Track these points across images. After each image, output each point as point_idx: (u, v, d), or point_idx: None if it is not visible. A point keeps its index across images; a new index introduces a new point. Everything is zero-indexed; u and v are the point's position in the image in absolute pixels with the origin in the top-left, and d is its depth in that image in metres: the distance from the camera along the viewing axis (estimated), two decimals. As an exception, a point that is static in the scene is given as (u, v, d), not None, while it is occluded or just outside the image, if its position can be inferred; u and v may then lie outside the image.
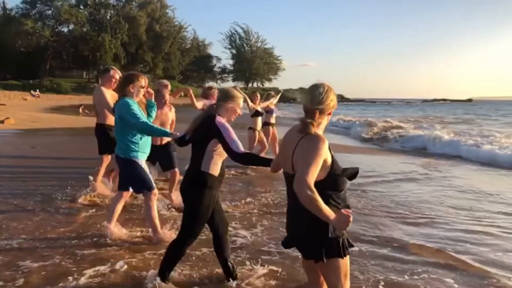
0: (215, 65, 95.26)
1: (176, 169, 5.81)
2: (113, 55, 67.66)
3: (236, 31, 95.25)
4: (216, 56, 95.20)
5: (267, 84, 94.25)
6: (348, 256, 2.33)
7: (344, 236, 2.28)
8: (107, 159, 5.99)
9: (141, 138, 4.20)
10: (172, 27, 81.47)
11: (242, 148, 3.08)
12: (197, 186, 3.16)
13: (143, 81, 4.31)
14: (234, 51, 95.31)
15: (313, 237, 2.26)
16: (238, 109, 3.31)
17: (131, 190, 4.47)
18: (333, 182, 2.23)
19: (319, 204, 2.04)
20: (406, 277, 3.73)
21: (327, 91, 2.29)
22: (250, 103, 8.94)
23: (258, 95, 9.48)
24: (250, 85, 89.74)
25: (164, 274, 3.27)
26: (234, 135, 3.10)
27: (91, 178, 5.97)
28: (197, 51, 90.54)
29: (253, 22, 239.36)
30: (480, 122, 31.76)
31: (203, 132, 3.16)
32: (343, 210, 2.11)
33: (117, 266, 3.67)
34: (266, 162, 3.02)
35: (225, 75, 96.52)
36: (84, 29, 68.89)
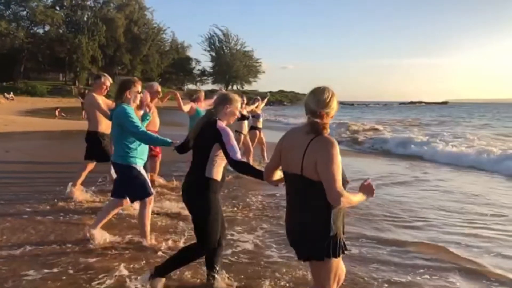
0: (194, 67, 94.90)
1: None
2: (90, 57, 66.57)
3: (215, 33, 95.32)
4: (195, 59, 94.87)
5: (246, 87, 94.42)
6: (340, 258, 2.43)
7: (341, 237, 2.38)
8: (91, 166, 6.04)
9: (139, 145, 4.20)
10: (150, 29, 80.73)
11: (239, 156, 3.13)
12: (202, 193, 3.18)
13: (140, 86, 4.33)
14: (213, 54, 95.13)
15: (313, 236, 2.33)
16: (237, 111, 3.37)
17: (127, 198, 4.37)
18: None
19: (352, 200, 2.29)
20: (409, 277, 3.85)
21: (332, 95, 2.41)
22: None
23: (245, 99, 9.58)
24: (229, 87, 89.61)
25: (163, 272, 3.27)
26: (233, 141, 3.15)
27: (70, 185, 5.99)
28: (176, 53, 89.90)
29: (232, 25, 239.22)
30: (455, 124, 32.56)
31: (205, 137, 3.20)
32: (364, 182, 2.42)
33: (117, 273, 3.62)
34: (259, 174, 3.00)
35: (205, 77, 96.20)
36: (60, 31, 67.54)
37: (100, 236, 4.35)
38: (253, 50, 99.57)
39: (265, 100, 10.21)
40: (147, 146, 4.39)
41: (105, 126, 5.85)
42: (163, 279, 3.28)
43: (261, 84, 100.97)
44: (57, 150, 11.36)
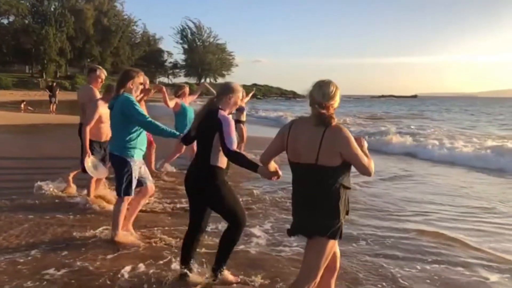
0: (166, 60, 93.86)
1: None
2: (58, 49, 64.71)
3: (187, 25, 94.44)
4: (167, 51, 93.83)
5: (220, 80, 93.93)
6: (336, 243, 2.61)
7: (342, 222, 2.55)
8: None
9: (139, 135, 4.15)
10: (121, 20, 79.16)
11: (235, 147, 3.16)
12: (211, 183, 3.25)
13: (142, 78, 4.27)
14: (186, 46, 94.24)
15: (323, 216, 2.51)
16: (239, 101, 3.43)
17: (149, 183, 4.38)
18: (346, 168, 2.52)
19: (372, 164, 2.55)
20: (419, 267, 3.99)
21: (336, 88, 2.55)
22: None
23: None
24: (202, 80, 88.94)
25: (220, 264, 3.35)
26: (232, 132, 3.19)
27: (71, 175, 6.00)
28: (148, 45, 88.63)
29: (205, 17, 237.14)
30: (422, 117, 33.45)
31: (208, 127, 3.24)
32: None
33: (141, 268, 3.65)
34: (253, 166, 3.03)
35: (177, 70, 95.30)
36: (26, 21, 65.41)
37: (125, 236, 4.33)
38: (226, 43, 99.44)
39: (250, 94, 10.21)
40: (145, 136, 4.33)
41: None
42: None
43: (234, 77, 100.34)
44: (24, 145, 11.04)
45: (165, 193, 6.26)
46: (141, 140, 4.20)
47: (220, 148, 3.20)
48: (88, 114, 5.16)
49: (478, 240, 4.79)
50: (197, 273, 3.43)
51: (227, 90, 3.36)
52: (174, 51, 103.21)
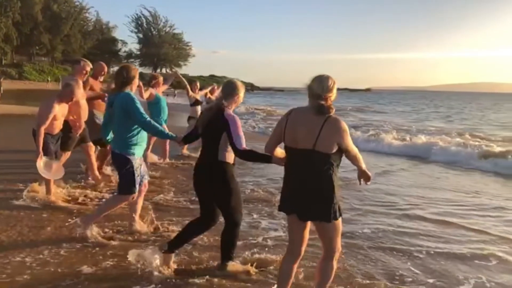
0: (120, 49, 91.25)
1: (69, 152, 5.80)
2: (3, 35, 61.28)
3: (143, 14, 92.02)
4: (121, 40, 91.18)
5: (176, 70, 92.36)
6: (340, 219, 2.85)
7: (339, 202, 2.79)
8: (91, 148, 6.04)
9: (139, 132, 4.11)
10: (72, 7, 75.92)
11: (244, 145, 3.26)
12: (220, 178, 3.37)
13: (137, 73, 4.25)
14: (141, 35, 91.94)
15: (324, 201, 2.73)
16: (242, 97, 3.56)
17: (145, 180, 4.37)
18: (339, 155, 2.79)
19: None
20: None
21: (334, 82, 2.79)
22: (190, 92, 8.91)
23: (198, 84, 9.49)
24: (158, 70, 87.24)
25: (228, 258, 3.50)
26: (240, 130, 3.28)
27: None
28: (101, 34, 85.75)
29: (161, 7, 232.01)
30: (374, 111, 34.67)
31: (215, 126, 3.33)
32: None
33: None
34: (266, 159, 3.13)
35: (132, 60, 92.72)
36: (-33, 5, 61.45)
37: (141, 227, 4.37)
38: (183, 33, 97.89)
39: (221, 87, 10.16)
40: (145, 133, 4.29)
41: (84, 114, 5.77)
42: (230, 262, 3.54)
43: (192, 68, 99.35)
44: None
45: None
46: (142, 137, 4.18)
47: (228, 145, 3.31)
48: (41, 114, 5.03)
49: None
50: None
51: (234, 90, 3.45)
52: (128, 40, 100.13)
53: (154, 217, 4.63)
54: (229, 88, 3.48)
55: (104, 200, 4.34)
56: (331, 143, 2.70)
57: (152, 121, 4.05)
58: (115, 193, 4.29)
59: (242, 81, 3.59)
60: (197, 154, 4.10)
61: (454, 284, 3.65)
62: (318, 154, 2.69)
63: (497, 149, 11.04)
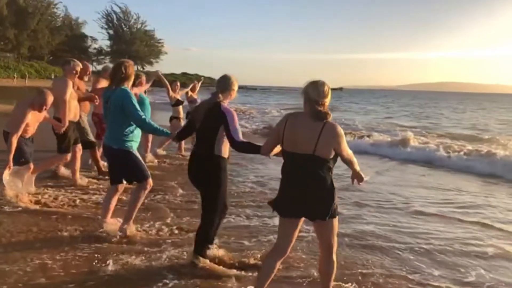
0: (90, 45, 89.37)
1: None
2: (-35, 29, 59.00)
3: (113, 10, 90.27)
4: (91, 36, 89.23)
5: (148, 68, 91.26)
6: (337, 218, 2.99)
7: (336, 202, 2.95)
8: (79, 152, 6.05)
9: (135, 128, 4.12)
10: (39, 2, 73.64)
11: (241, 137, 3.37)
12: (214, 171, 3.47)
13: (133, 70, 4.28)
14: (111, 32, 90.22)
15: (324, 201, 2.87)
16: (236, 92, 3.66)
17: (125, 182, 4.35)
18: (335, 159, 2.92)
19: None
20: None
21: (328, 87, 2.90)
22: (171, 92, 8.83)
23: (178, 84, 9.47)
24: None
25: (201, 252, 3.57)
26: (237, 123, 3.38)
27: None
28: (70, 30, 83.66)
29: (133, 3, 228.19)
30: (346, 110, 35.33)
31: (212, 120, 3.42)
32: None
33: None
34: (259, 150, 3.25)
35: (102, 56, 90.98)
36: None
37: (115, 225, 4.32)
38: (155, 29, 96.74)
39: (199, 83, 10.13)
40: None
41: (73, 114, 5.78)
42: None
43: (164, 65, 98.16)
44: None
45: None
46: (138, 134, 4.20)
47: (224, 139, 3.41)
48: (14, 122, 5.01)
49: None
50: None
51: (229, 85, 3.54)
52: (99, 37, 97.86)
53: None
54: (224, 83, 3.55)
55: (131, 197, 4.32)
56: (329, 148, 2.83)
57: (148, 119, 4.07)
58: (138, 187, 4.28)
59: (215, 79, 3.65)
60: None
61: (460, 276, 3.85)
62: (317, 159, 2.82)
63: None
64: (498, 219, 5.67)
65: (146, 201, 5.39)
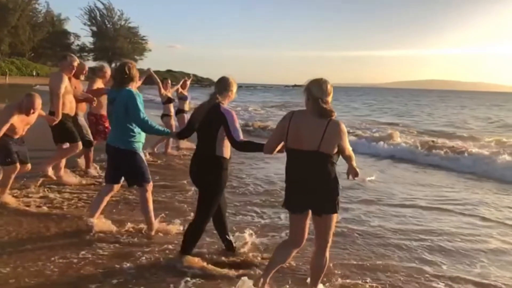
0: (73, 42, 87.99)
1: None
2: None
3: (96, 7, 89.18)
4: (74, 33, 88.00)
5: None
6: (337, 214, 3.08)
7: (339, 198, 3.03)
8: (63, 147, 5.92)
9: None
10: (20, -3, 72.37)
11: (242, 137, 3.42)
12: (215, 171, 3.50)
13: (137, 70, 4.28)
14: (94, 29, 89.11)
15: (328, 197, 2.96)
16: (235, 93, 3.67)
17: (121, 182, 4.36)
18: (338, 155, 3.00)
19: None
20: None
21: (331, 85, 2.97)
22: (162, 90, 8.81)
23: (169, 82, 9.46)
24: (113, 65, 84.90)
25: (188, 252, 3.63)
26: (237, 123, 3.43)
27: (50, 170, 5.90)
28: (51, 26, 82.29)
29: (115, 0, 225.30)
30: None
31: (212, 121, 3.45)
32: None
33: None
34: (262, 148, 3.30)
35: (85, 53, 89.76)
36: None
37: (102, 224, 4.31)
38: (139, 26, 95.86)
39: (189, 80, 10.14)
40: None
41: (69, 108, 5.74)
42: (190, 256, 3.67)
43: (148, 63, 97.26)
44: None
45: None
46: (143, 134, 4.21)
47: (225, 139, 3.44)
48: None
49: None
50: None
51: (228, 86, 3.58)
52: (81, 34, 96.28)
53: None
54: (223, 84, 3.60)
55: (140, 203, 4.38)
56: (333, 144, 2.91)
57: (150, 120, 4.05)
58: (140, 191, 4.30)
59: (200, 77, 3.70)
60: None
61: (465, 267, 4.04)
62: (322, 155, 2.90)
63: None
64: (494, 214, 5.85)
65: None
